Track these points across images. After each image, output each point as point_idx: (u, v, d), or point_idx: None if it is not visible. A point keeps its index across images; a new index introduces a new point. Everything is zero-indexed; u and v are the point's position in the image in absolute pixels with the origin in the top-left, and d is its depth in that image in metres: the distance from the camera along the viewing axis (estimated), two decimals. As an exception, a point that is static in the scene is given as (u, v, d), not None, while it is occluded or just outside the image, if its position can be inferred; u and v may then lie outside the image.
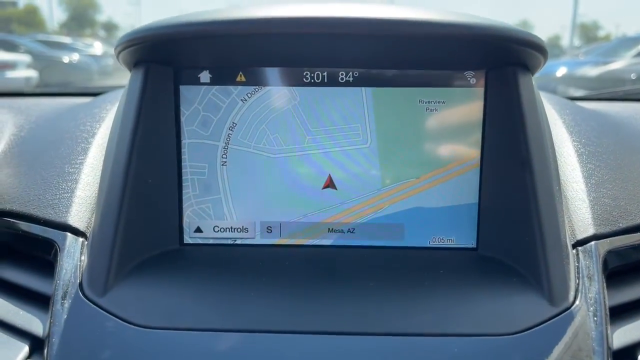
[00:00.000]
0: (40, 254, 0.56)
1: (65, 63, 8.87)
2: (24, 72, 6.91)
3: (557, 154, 0.62)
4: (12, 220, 0.57)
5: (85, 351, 0.45)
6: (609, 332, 0.48)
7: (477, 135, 0.58)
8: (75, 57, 9.12)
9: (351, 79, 0.58)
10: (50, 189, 0.58)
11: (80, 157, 0.62)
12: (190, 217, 0.59)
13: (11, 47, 8.13)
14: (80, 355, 0.45)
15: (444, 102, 0.58)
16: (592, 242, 0.53)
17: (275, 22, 0.48)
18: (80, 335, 0.46)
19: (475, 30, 0.49)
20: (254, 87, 0.58)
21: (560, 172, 0.60)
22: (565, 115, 0.71)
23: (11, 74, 6.57)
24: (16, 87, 5.69)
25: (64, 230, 0.54)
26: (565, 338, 0.46)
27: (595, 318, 0.48)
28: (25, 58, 7.41)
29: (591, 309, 0.48)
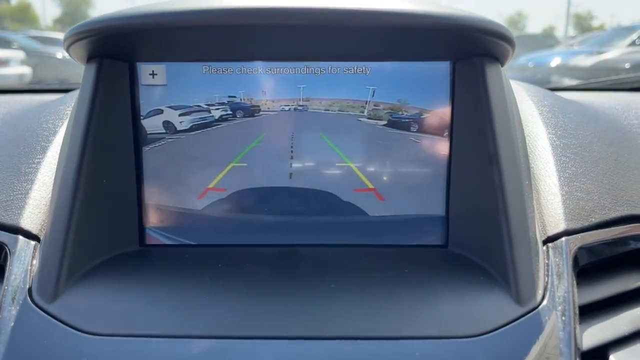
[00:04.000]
0: None
1: (59, 59, 8.76)
2: (17, 69, 6.84)
3: (530, 147, 0.60)
4: None
5: None
6: (577, 332, 0.46)
7: (445, 130, 0.56)
8: (69, 53, 9.01)
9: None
10: (4, 190, 0.56)
11: (38, 156, 0.60)
12: (151, 217, 0.57)
13: (4, 43, 8.03)
14: None
15: None
16: (563, 238, 0.52)
17: (236, 12, 0.45)
18: (26, 343, 0.44)
19: (438, 20, 0.46)
20: None
21: (532, 165, 0.58)
22: (543, 107, 0.69)
23: (4, 71, 6.51)
24: (10, 84, 5.63)
25: (15, 233, 0.52)
26: (532, 339, 0.44)
27: (563, 318, 0.46)
28: (18, 54, 7.33)
29: (559, 308, 0.46)
